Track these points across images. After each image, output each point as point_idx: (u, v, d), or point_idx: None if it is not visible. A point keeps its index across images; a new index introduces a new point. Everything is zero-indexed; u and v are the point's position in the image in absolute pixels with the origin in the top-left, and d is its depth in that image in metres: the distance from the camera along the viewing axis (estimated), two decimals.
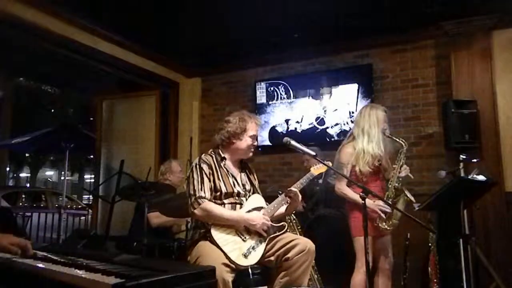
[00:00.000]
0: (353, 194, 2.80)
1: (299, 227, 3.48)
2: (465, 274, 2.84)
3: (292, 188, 2.41)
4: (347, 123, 4.50)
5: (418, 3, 3.74)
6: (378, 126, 2.87)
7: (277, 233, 2.38)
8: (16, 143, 8.15)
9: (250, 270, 2.21)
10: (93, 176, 6.50)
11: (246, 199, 2.45)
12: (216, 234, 2.25)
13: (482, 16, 3.86)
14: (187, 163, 4.09)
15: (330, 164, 2.66)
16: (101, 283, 1.36)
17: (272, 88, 4.95)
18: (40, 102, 15.44)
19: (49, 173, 26.82)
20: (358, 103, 4.45)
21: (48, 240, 6.62)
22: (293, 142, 2.34)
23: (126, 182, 3.58)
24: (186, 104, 5.47)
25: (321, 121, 4.68)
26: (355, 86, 4.50)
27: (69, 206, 9.40)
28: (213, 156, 2.48)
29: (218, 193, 2.37)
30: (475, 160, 3.50)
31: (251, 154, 2.55)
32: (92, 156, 8.36)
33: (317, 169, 2.65)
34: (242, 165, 2.60)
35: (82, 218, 7.83)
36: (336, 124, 4.59)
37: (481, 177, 2.70)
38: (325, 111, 4.67)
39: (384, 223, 2.79)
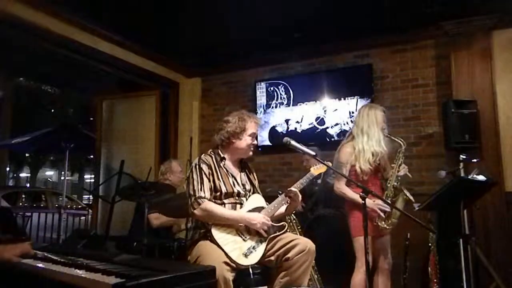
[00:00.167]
0: (352, 194, 2.81)
1: (299, 227, 3.48)
2: (465, 274, 2.84)
3: (292, 188, 2.41)
4: (347, 123, 4.50)
5: (418, 3, 3.74)
6: (377, 126, 2.88)
7: (277, 233, 2.38)
8: (16, 143, 8.14)
9: (250, 270, 2.21)
10: (93, 176, 6.50)
11: (246, 199, 2.45)
12: (216, 233, 2.25)
13: (482, 16, 3.86)
14: (187, 163, 4.08)
15: (330, 164, 2.66)
16: (101, 283, 1.37)
17: (272, 88, 4.95)
18: (40, 102, 15.44)
19: (49, 173, 26.82)
20: (358, 103, 4.45)
21: (48, 240, 6.60)
22: (293, 142, 2.33)
23: (126, 182, 3.57)
24: (186, 104, 5.47)
25: (321, 121, 4.67)
26: (355, 87, 4.50)
27: (69, 206, 9.39)
28: (213, 156, 2.48)
29: (218, 193, 2.37)
30: (475, 160, 3.50)
31: (251, 153, 2.55)
32: (92, 156, 8.35)
33: (317, 169, 2.65)
34: (242, 165, 2.60)
35: (82, 218, 7.82)
36: (336, 124, 4.59)
37: (481, 177, 2.70)
38: (325, 111, 4.66)
39: (383, 222, 2.80)
